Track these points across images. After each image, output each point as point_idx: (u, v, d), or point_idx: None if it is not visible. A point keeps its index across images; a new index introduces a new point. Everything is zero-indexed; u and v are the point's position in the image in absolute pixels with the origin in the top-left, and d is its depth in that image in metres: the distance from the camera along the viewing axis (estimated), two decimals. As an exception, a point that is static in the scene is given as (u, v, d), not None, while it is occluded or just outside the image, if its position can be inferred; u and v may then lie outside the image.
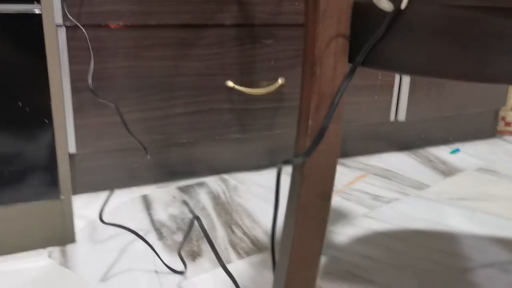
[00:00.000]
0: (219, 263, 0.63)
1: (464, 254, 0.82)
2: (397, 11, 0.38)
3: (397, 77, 1.22)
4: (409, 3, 0.37)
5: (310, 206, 0.47)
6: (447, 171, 1.19)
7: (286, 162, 0.48)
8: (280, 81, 1.10)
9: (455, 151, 1.31)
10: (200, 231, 0.89)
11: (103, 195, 1.03)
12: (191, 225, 0.67)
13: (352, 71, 0.43)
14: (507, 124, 1.42)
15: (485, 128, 1.42)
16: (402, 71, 0.40)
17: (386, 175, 1.16)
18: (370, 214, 0.96)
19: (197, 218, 0.64)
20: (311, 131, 0.45)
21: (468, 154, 1.29)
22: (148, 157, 0.82)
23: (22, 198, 0.77)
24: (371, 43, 0.40)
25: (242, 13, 1.05)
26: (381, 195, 1.05)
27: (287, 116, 1.14)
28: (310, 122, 0.44)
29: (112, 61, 0.96)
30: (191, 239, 0.86)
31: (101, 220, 0.72)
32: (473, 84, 1.30)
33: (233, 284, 0.74)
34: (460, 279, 0.75)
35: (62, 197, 0.80)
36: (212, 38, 1.03)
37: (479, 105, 1.34)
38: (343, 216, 0.96)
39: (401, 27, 0.39)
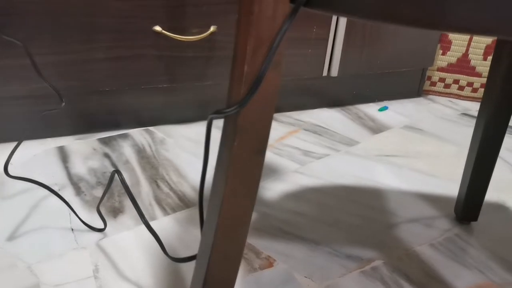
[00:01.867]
0: (141, 219, 0.58)
1: (391, 209, 0.83)
2: None
3: (332, 31, 1.19)
4: None
5: (243, 161, 0.43)
6: (376, 128, 1.20)
7: (218, 112, 0.43)
8: (212, 28, 1.03)
9: (383, 108, 1.33)
10: (122, 187, 0.83)
11: (9, 146, 0.93)
12: (111, 179, 0.61)
13: (294, 12, 0.38)
14: (433, 83, 1.46)
15: (412, 87, 1.45)
16: (351, 13, 0.36)
17: (317, 130, 1.15)
18: (301, 170, 0.95)
19: (117, 171, 0.58)
20: (246, 78, 0.40)
21: (395, 112, 1.32)
22: (63, 104, 0.74)
23: None
24: (317, -21, 0.36)
25: (172, -50, 0.96)
26: (312, 150, 1.04)
27: (219, 66, 1.08)
28: (246, 68, 0.40)
29: (21, -6, 0.84)
30: (112, 194, 0.80)
31: (6, 173, 0.64)
32: (404, 43, 1.31)
33: (154, 241, 0.69)
34: (386, 234, 0.76)
35: (-40, 147, 0.70)
36: (138, -24, 0.93)
37: (408, 64, 1.36)
38: (273, 171, 0.94)
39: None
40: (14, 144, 0.93)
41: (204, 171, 0.48)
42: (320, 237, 0.74)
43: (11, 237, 0.68)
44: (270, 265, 0.67)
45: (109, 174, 0.86)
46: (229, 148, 0.43)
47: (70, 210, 0.74)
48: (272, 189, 0.87)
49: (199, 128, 1.10)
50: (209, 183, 0.87)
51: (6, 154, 0.89)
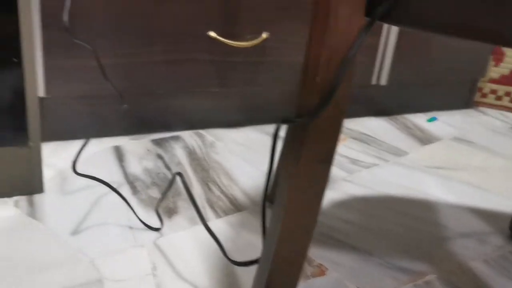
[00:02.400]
0: (201, 222, 0.60)
1: (441, 222, 0.82)
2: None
3: (382, 38, 1.18)
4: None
5: (310, 170, 0.44)
6: (424, 138, 1.18)
7: (288, 121, 0.45)
8: (264, 34, 1.05)
9: (432, 119, 1.31)
10: (176, 188, 0.85)
11: (72, 144, 0.97)
12: (172, 181, 0.63)
13: (369, 25, 0.39)
14: (484, 95, 1.43)
15: (462, 98, 1.42)
16: (428, 28, 0.36)
17: (364, 139, 1.15)
18: (349, 178, 0.95)
19: (179, 174, 0.61)
20: (318, 88, 0.41)
21: (445, 123, 1.30)
22: (125, 105, 0.77)
23: (-15, 143, 0.71)
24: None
25: (230, -42, 0.98)
26: (360, 159, 1.04)
27: (269, 72, 1.10)
28: (318, 79, 0.41)
29: (88, -1, 0.88)
30: (167, 195, 0.83)
31: (74, 171, 0.67)
32: (456, 53, 1.29)
33: (210, 243, 0.71)
34: (437, 247, 0.75)
35: (30, 144, 0.74)
36: (197, -17, 0.96)
37: (459, 75, 1.34)
38: (322, 178, 0.94)
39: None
40: (73, 141, 0.98)
41: (268, 176, 0.49)
42: (371, 247, 0.74)
43: (75, 232, 0.71)
44: (322, 273, 0.68)
45: (163, 175, 0.89)
46: (297, 157, 0.44)
47: (128, 208, 0.77)
48: (321, 196, 0.87)
49: (248, 132, 1.12)
50: (259, 188, 0.89)
51: (67, 152, 0.93)
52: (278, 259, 0.47)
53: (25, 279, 0.61)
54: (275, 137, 0.49)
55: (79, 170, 0.87)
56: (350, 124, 1.23)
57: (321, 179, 0.45)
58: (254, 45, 1.05)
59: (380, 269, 0.69)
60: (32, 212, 0.74)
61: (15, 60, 0.69)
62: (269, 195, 0.83)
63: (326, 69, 0.41)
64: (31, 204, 0.76)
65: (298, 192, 0.45)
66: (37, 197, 0.78)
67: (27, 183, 0.77)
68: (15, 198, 0.76)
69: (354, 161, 1.03)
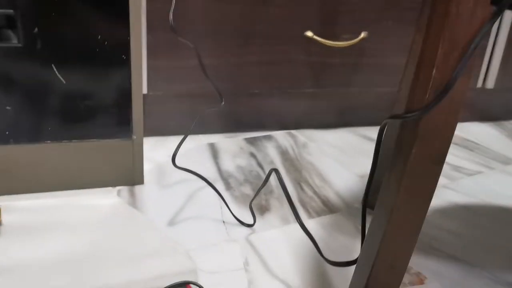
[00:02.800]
0: (297, 220, 0.59)
1: (559, 239, 0.74)
2: None
3: (491, 39, 1.10)
4: None
5: (420, 169, 0.41)
6: (536, 147, 1.08)
7: (396, 117, 0.42)
8: (363, 34, 1.02)
9: (545, 126, 1.20)
10: (269, 185, 0.85)
11: (170, 139, 1.01)
12: (268, 177, 0.63)
13: (496, 15, 0.36)
14: None
15: None
16: None
17: (468, 145, 1.07)
18: (450, 186, 0.89)
19: (275, 170, 0.60)
20: (434, 83, 0.38)
21: (560, 131, 1.18)
22: (223, 103, 0.78)
23: (95, 134, 0.76)
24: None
25: (330, -44, 0.97)
26: (463, 166, 0.97)
27: (366, 73, 1.07)
28: (434, 72, 0.38)
29: (192, 1, 0.91)
30: (259, 193, 0.83)
31: (174, 164, 0.69)
32: None
33: (302, 242, 0.70)
34: (554, 266, 0.68)
35: (134, 137, 0.78)
36: (296, -18, 0.96)
37: None
38: (421, 184, 0.89)
39: None
40: (171, 137, 1.01)
41: (371, 174, 0.47)
42: (475, 259, 0.69)
43: (171, 223, 0.73)
44: (421, 282, 0.64)
45: (256, 173, 0.89)
46: (406, 155, 0.42)
47: (222, 203, 0.78)
48: (419, 203, 0.83)
49: (342, 134, 1.10)
50: (352, 190, 0.86)
51: (165, 146, 0.97)
52: (379, 262, 0.45)
53: (126, 264, 0.64)
54: (381, 134, 0.47)
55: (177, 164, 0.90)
56: (451, 129, 1.16)
57: (432, 181, 0.42)
58: (352, 45, 1.02)
59: (485, 282, 0.64)
60: (133, 201, 0.77)
61: (123, 57, 0.73)
62: (370, 200, 0.80)
63: (444, 61, 0.38)
64: (132, 194, 0.79)
65: (406, 193, 0.42)
66: (137, 188, 0.81)
67: (129, 175, 0.81)
68: (118, 188, 0.81)
69: (456, 168, 0.96)
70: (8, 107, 0.70)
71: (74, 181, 0.78)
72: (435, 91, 0.38)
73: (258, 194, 0.82)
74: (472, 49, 0.37)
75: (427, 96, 0.39)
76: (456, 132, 1.14)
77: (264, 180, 0.64)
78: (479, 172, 0.95)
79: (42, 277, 0.60)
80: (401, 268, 0.45)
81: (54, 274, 0.61)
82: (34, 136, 0.73)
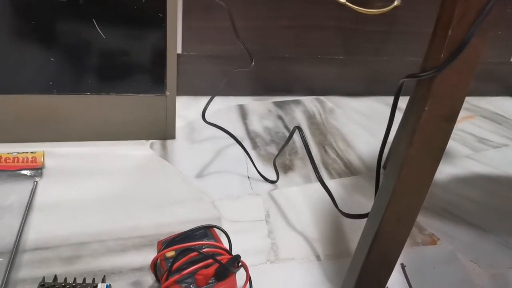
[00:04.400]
0: (316, 174, 0.62)
1: None
2: None
3: (530, 12, 1.08)
4: None
5: (431, 127, 0.44)
6: None
7: (412, 76, 0.45)
8: (396, 2, 1.02)
9: None
10: (293, 146, 0.89)
11: (201, 99, 1.04)
12: (291, 134, 0.66)
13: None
14: None
15: None
16: None
17: (496, 119, 1.07)
18: (474, 156, 0.90)
19: (298, 128, 0.63)
20: (449, 42, 0.40)
21: None
22: (253, 64, 0.81)
23: (131, 89, 0.80)
24: None
25: None
26: (488, 138, 0.98)
27: (397, 42, 1.07)
28: (450, 32, 0.40)
29: (226, -38, 0.93)
30: (284, 152, 0.86)
31: (203, 119, 0.73)
32: None
33: (322, 199, 0.73)
34: None
35: (167, 93, 0.82)
36: None
37: None
38: (444, 153, 0.91)
39: None
40: (202, 97, 1.05)
41: (387, 132, 0.50)
42: (490, 225, 0.71)
43: (199, 175, 0.78)
44: (433, 242, 0.66)
45: (282, 134, 0.93)
46: (418, 113, 0.44)
47: (247, 160, 0.82)
48: (440, 171, 0.84)
49: (369, 102, 1.11)
50: (375, 155, 0.88)
51: (196, 106, 1.01)
52: (388, 215, 0.47)
53: (155, 208, 0.69)
54: (398, 93, 0.49)
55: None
56: (481, 102, 1.16)
57: (443, 138, 0.45)
58: (384, 12, 1.02)
59: (497, 247, 0.66)
60: (164, 154, 0.82)
61: (160, 15, 0.77)
62: (386, 162, 0.82)
63: (459, 22, 0.39)
64: (163, 147, 0.84)
65: (417, 149, 0.44)
66: (169, 142, 0.86)
67: (162, 129, 0.85)
68: (151, 141, 0.85)
69: (481, 140, 0.97)
70: (52, 59, 0.75)
71: (110, 132, 0.83)
72: (450, 51, 0.40)
73: (283, 154, 0.85)
74: (488, 10, 0.38)
75: (442, 55, 0.41)
76: (485, 106, 1.13)
77: (288, 137, 0.67)
78: (505, 145, 0.95)
79: (79, 214, 0.66)
80: (409, 221, 0.48)
81: (91, 212, 0.66)
82: (75, 87, 0.78)
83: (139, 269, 0.58)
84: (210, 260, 0.51)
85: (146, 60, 0.79)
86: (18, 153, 0.72)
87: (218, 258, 0.51)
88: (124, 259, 0.59)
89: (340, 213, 0.60)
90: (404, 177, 0.46)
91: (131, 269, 0.58)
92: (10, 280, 0.54)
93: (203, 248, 0.53)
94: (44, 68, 0.75)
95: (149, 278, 0.57)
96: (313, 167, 0.62)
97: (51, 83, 0.77)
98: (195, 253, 0.51)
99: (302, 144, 0.89)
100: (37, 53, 0.74)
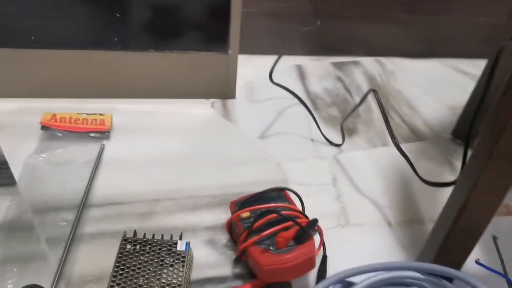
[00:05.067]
0: (392, 140, 0.60)
1: None
2: None
3: None
4: None
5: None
6: None
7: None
8: (469, -42, 0.96)
9: None
10: (356, 110, 0.86)
11: (259, 58, 1.02)
12: (365, 96, 0.64)
13: None
14: None
15: None
16: None
17: None
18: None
19: (374, 90, 0.61)
20: None
21: None
22: (319, 22, 0.78)
23: (194, 47, 0.79)
24: None
25: None
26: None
27: (463, 2, 1.01)
28: None
29: None
30: (349, 115, 0.84)
31: (271, 80, 0.72)
32: None
33: (391, 165, 0.72)
34: None
35: (230, 51, 0.80)
36: None
37: None
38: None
39: None
40: (262, 56, 1.02)
41: (482, 99, 0.47)
42: None
43: (262, 136, 0.77)
44: (509, 214, 0.64)
45: (342, 96, 0.90)
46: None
47: (309, 122, 0.80)
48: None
49: (432, 64, 1.06)
50: (440, 120, 0.85)
51: (255, 64, 0.99)
52: (480, 184, 0.45)
53: (220, 168, 0.68)
54: (496, 61, 0.46)
55: (265, 83, 0.92)
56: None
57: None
58: (455, -31, 0.96)
59: None
60: (226, 114, 0.81)
61: (226, -30, 0.74)
62: (455, 129, 0.79)
63: None
64: (224, 107, 0.83)
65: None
66: (229, 102, 0.85)
67: (222, 88, 0.84)
68: (211, 100, 0.85)
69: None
70: (117, 15, 0.74)
71: (172, 90, 0.82)
72: None
73: (348, 116, 0.83)
74: None
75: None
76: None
77: (361, 100, 0.65)
78: None
79: (148, 172, 0.66)
80: (502, 191, 0.46)
81: (159, 170, 0.67)
82: (139, 44, 0.77)
83: (212, 228, 0.58)
84: (289, 223, 0.50)
85: (209, 17, 0.77)
86: (87, 114, 0.72)
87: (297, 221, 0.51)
88: (196, 218, 0.60)
89: (414, 180, 0.58)
90: (503, 145, 0.44)
91: (204, 228, 0.58)
92: (85, 232, 0.56)
93: (282, 211, 0.52)
94: (110, 24, 0.74)
95: (223, 237, 0.57)
96: (389, 132, 0.60)
97: (116, 39, 0.76)
98: (273, 215, 0.51)
99: (366, 108, 0.87)
100: (103, 9, 0.73)
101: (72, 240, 0.54)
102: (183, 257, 0.50)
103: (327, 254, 0.55)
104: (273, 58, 0.80)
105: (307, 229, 0.49)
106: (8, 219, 0.55)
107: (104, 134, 0.71)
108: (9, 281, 0.47)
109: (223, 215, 0.60)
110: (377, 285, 0.47)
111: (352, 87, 0.94)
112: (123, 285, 0.46)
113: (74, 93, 0.79)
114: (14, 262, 0.50)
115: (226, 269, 0.54)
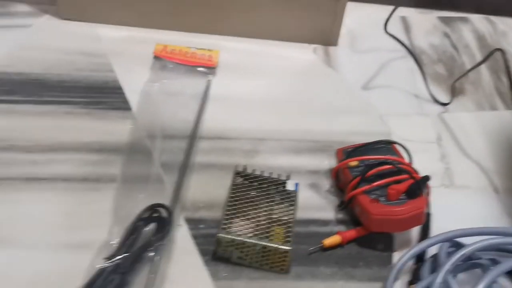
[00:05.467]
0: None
1: None
2: None
3: None
4: None
5: None
6: None
7: None
8: None
9: None
10: (464, 69, 0.82)
11: (358, 6, 0.98)
12: (489, 55, 0.60)
13: None
14: None
15: None
16: None
17: None
18: None
19: (500, 50, 0.57)
20: None
21: None
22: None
23: (304, -12, 0.77)
24: None
25: None
26: None
27: None
28: None
29: None
30: (453, 74, 0.80)
31: (385, 30, 0.69)
32: None
33: (500, 130, 0.68)
34: None
35: (340, -4, 0.78)
36: None
37: None
38: None
39: None
40: (360, 4, 0.98)
41: None
42: None
43: (365, 87, 0.75)
44: None
45: (449, 54, 0.86)
46: None
47: (414, 77, 0.78)
48: None
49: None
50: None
51: (356, 13, 0.95)
52: None
53: (324, 116, 0.68)
54: None
55: (369, 31, 0.89)
56: None
57: None
58: None
59: None
60: (328, 61, 0.80)
61: None
62: None
63: None
64: (326, 54, 0.82)
65: None
66: (331, 49, 0.83)
67: (326, 34, 0.82)
68: (313, 46, 0.83)
69: None
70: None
71: (277, 32, 0.81)
72: None
73: (451, 76, 0.80)
74: None
75: None
76: None
77: (484, 58, 0.62)
78: None
79: (253, 111, 0.67)
80: None
81: (263, 110, 0.67)
82: (250, -19, 0.76)
83: (315, 172, 0.59)
84: (402, 176, 0.50)
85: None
86: (196, 48, 0.73)
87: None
88: (299, 161, 0.61)
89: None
90: None
91: (307, 171, 0.59)
92: (196, 162, 0.58)
93: (394, 164, 0.52)
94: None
95: (326, 183, 0.58)
96: (512, 95, 0.57)
97: (227, -26, 0.76)
98: (386, 166, 0.51)
99: (473, 68, 0.83)
100: None
101: (184, 167, 0.57)
102: (293, 196, 0.51)
103: (431, 212, 0.55)
104: (374, 8, 0.77)
105: (421, 184, 0.49)
106: (130, 141, 0.58)
107: (211, 69, 0.72)
108: (140, 195, 0.51)
109: (326, 161, 0.60)
110: (489, 249, 0.46)
111: (459, 44, 0.89)
112: (237, 215, 0.48)
113: (183, 27, 0.80)
114: (138, 181, 0.54)
115: (329, 213, 0.55)
